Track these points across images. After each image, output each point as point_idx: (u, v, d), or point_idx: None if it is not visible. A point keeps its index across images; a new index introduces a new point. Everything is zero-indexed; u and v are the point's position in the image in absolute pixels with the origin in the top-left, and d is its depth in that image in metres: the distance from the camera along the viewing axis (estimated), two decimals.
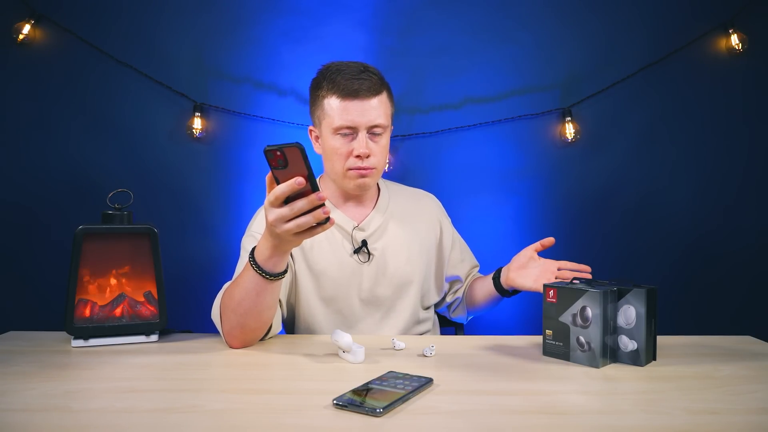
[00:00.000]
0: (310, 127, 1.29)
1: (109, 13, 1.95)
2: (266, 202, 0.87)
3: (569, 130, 1.99)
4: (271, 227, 0.89)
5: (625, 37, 2.02)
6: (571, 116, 2.00)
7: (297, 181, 0.83)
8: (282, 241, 0.91)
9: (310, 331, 1.26)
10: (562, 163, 2.03)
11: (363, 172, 1.20)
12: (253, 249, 0.97)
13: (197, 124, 1.95)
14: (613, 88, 2.01)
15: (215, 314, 1.07)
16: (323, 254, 1.24)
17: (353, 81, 1.16)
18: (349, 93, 1.16)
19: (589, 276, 1.13)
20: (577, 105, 2.01)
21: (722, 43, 2.00)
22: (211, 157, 2.00)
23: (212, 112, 2.00)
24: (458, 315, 1.44)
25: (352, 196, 1.29)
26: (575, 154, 2.03)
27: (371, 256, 1.26)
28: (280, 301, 1.16)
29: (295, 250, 1.22)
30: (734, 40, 1.96)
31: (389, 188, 1.38)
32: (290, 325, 1.31)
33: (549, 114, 2.03)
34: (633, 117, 2.03)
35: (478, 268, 1.47)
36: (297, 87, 2.01)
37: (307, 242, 1.22)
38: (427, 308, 1.37)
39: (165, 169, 1.98)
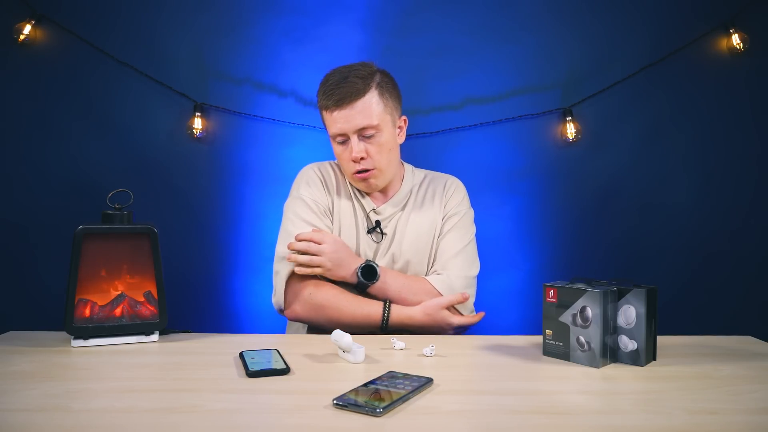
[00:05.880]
0: None
1: (109, 13, 1.95)
2: (456, 322, 1.22)
3: (570, 130, 1.99)
4: (443, 327, 1.22)
5: (626, 37, 2.01)
6: (572, 116, 1.99)
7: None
8: (431, 329, 1.21)
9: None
10: (563, 163, 2.03)
11: (363, 175, 1.28)
12: (389, 304, 1.21)
13: (197, 124, 1.96)
14: (615, 87, 2.01)
15: (296, 301, 1.24)
16: (349, 230, 1.33)
17: (335, 91, 1.24)
18: (334, 103, 1.24)
19: None
20: (578, 105, 2.01)
21: (723, 43, 2.00)
22: (211, 157, 2.00)
23: (212, 112, 2.00)
24: None
25: None
26: (576, 154, 2.03)
27: (383, 236, 1.33)
28: None
29: (332, 219, 1.34)
30: (735, 39, 1.95)
31: (415, 176, 1.42)
32: None
33: (550, 114, 2.03)
34: (634, 117, 2.03)
35: (439, 275, 1.29)
36: (297, 87, 2.01)
37: (339, 217, 1.33)
38: None
39: (165, 169, 1.98)
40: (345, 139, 1.27)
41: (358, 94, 1.23)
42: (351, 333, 1.21)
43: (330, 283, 1.24)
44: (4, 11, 1.91)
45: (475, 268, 1.33)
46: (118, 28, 1.95)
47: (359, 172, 1.27)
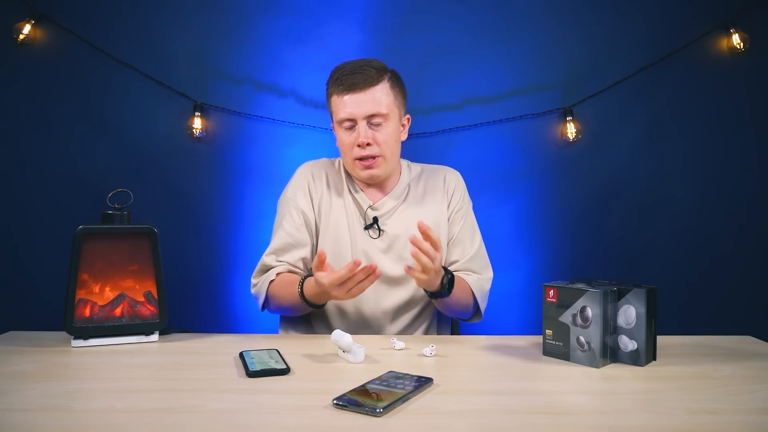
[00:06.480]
0: (332, 124, 1.37)
1: (109, 13, 1.95)
2: (327, 283, 1.06)
3: (570, 130, 1.99)
4: (328, 291, 1.09)
5: (626, 37, 2.01)
6: (572, 116, 1.99)
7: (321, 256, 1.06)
8: (330, 294, 1.10)
9: None
10: (564, 162, 2.03)
11: (367, 162, 1.29)
12: (302, 281, 1.20)
13: (197, 124, 1.96)
14: (615, 87, 2.01)
15: (260, 289, 1.31)
16: (341, 227, 1.34)
17: (350, 76, 1.27)
18: (346, 87, 1.27)
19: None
20: (578, 105, 2.01)
21: (723, 43, 1.99)
22: (211, 157, 2.00)
23: (212, 112, 2.00)
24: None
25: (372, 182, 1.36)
26: (576, 153, 2.03)
27: (381, 233, 1.33)
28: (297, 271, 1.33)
29: (319, 221, 1.36)
30: (735, 39, 1.95)
31: (412, 171, 1.43)
32: None
33: (550, 114, 2.03)
34: (634, 116, 2.03)
35: (471, 276, 1.34)
36: (297, 87, 2.01)
37: (330, 216, 1.35)
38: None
39: (165, 169, 1.98)
40: (352, 125, 1.28)
41: (371, 81, 1.27)
42: (298, 314, 1.26)
43: (281, 273, 1.29)
44: (4, 11, 1.90)
45: (490, 269, 1.40)
46: (118, 28, 1.95)
47: (363, 159, 1.28)
